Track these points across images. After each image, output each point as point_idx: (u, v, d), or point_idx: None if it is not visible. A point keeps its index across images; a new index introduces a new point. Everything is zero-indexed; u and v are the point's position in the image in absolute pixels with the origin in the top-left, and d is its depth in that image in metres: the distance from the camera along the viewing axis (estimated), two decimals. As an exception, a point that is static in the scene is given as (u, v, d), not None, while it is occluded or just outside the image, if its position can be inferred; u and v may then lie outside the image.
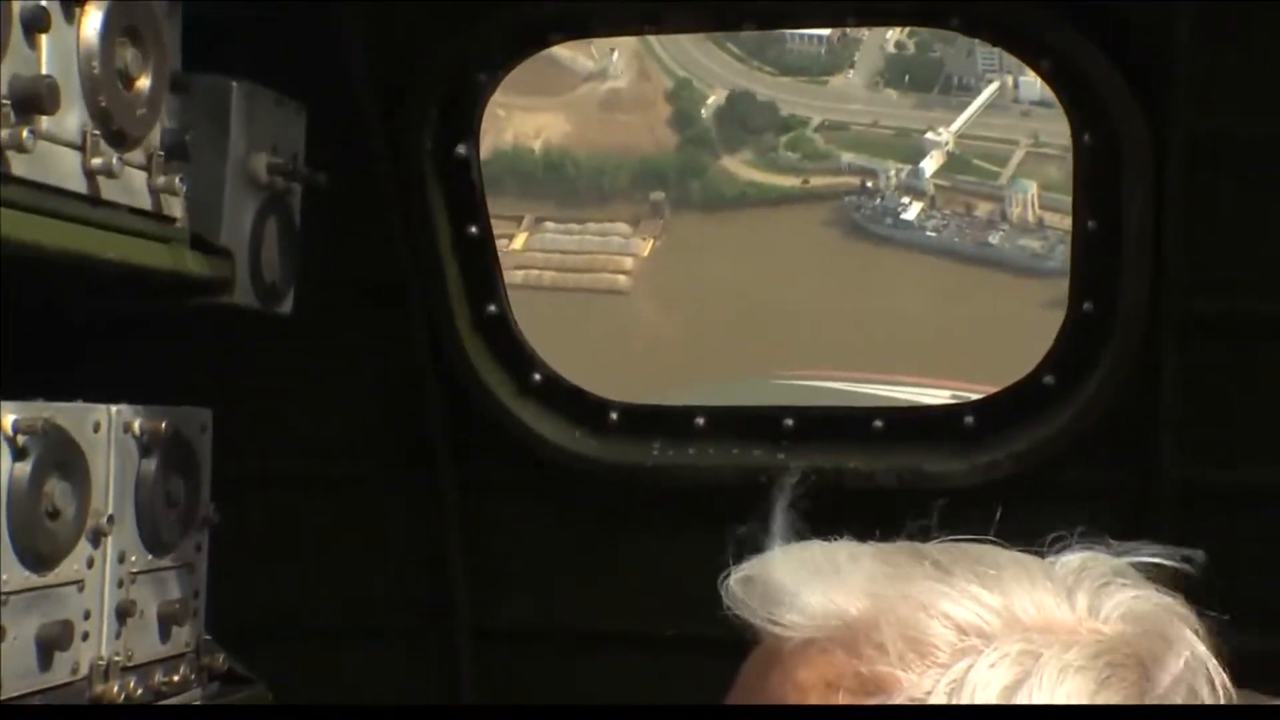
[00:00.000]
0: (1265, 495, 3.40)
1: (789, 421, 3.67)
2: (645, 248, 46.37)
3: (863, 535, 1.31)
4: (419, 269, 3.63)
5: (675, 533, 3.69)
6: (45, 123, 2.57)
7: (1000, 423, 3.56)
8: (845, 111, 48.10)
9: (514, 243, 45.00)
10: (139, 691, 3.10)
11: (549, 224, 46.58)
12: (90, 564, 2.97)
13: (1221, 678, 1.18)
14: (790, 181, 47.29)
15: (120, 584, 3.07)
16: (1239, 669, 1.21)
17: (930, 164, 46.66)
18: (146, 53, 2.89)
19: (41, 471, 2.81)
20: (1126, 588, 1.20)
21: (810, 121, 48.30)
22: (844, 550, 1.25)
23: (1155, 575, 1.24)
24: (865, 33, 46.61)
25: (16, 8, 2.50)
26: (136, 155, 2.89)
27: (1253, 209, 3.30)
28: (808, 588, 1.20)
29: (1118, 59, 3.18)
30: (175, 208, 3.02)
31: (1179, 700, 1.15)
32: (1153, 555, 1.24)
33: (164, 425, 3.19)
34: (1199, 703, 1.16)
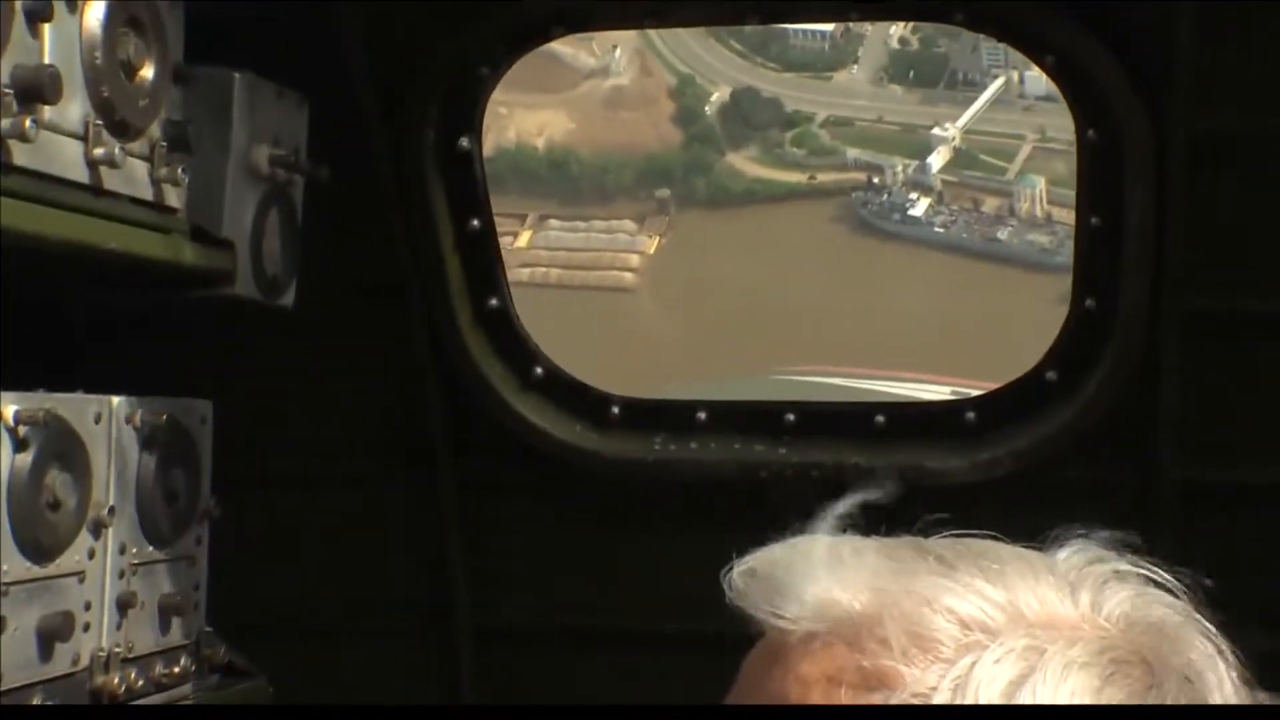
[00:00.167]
0: (1266, 493, 3.40)
1: (790, 417, 3.66)
2: (651, 245, 46.35)
3: (863, 531, 1.30)
4: (420, 263, 3.62)
5: (676, 527, 3.69)
6: (48, 112, 2.57)
7: (1001, 419, 3.56)
8: (850, 107, 48.05)
9: (518, 241, 44.99)
10: (139, 683, 3.10)
11: (553, 222, 46.57)
12: (91, 555, 2.97)
13: (1227, 674, 1.18)
14: (796, 177, 47.24)
15: (121, 575, 3.07)
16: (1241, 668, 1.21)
17: (937, 159, 46.62)
18: (149, 43, 2.89)
19: (42, 462, 2.81)
20: (1130, 584, 1.20)
21: (815, 117, 48.26)
22: (848, 544, 1.24)
23: (1159, 571, 1.23)
24: (868, 28, 46.55)
25: (19, -3, 2.50)
26: (138, 146, 2.88)
27: (1255, 207, 3.30)
28: (811, 582, 1.20)
29: (1121, 56, 3.18)
30: (177, 199, 3.02)
31: (1184, 698, 1.15)
32: (1155, 554, 1.24)
33: (165, 417, 3.19)
34: (1203, 700, 1.16)
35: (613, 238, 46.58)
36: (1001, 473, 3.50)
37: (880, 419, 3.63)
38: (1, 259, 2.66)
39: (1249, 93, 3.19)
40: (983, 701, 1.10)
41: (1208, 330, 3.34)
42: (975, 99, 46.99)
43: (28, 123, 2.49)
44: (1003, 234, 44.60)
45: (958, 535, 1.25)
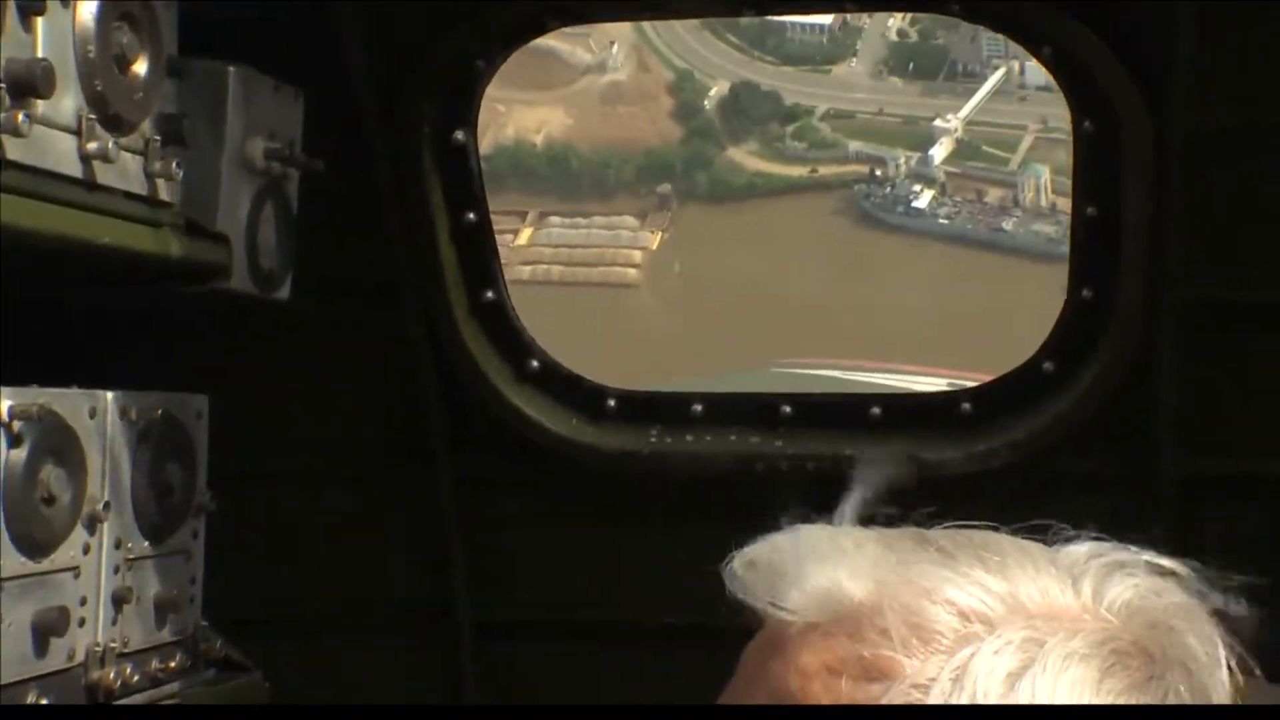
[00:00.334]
0: (1263, 485, 3.40)
1: (786, 408, 3.66)
2: (654, 240, 46.32)
3: (863, 522, 1.30)
4: (416, 256, 3.62)
5: (673, 520, 3.69)
6: (41, 106, 2.56)
7: (998, 410, 3.56)
8: (850, 100, 48.05)
9: (519, 238, 44.96)
10: (135, 678, 3.09)
11: (554, 219, 46.53)
12: (86, 550, 2.97)
13: (1227, 665, 1.18)
14: (798, 171, 47.25)
15: (116, 570, 3.06)
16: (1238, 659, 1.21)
17: (939, 151, 46.63)
18: (143, 37, 2.88)
19: (37, 458, 2.80)
20: (1130, 576, 1.20)
21: (815, 110, 48.25)
22: (848, 535, 1.24)
23: (1158, 563, 1.23)
24: (866, 21, 46.55)
25: (11, -9, 2.49)
26: (132, 140, 2.87)
27: (1252, 199, 3.30)
28: (811, 572, 1.19)
29: (1118, 48, 3.17)
30: (171, 193, 3.01)
31: (1184, 689, 1.15)
32: (1151, 545, 1.24)
33: (160, 412, 3.18)
34: (1204, 691, 1.16)
35: (614, 234, 46.55)
36: (997, 464, 3.50)
37: (876, 410, 3.63)
38: (-5, 254, 2.65)
39: (1246, 86, 3.18)
40: (982, 692, 1.10)
41: (1204, 322, 3.34)
42: (975, 90, 46.98)
43: (20, 117, 2.48)
44: (1008, 224, 44.60)
45: (958, 526, 1.25)
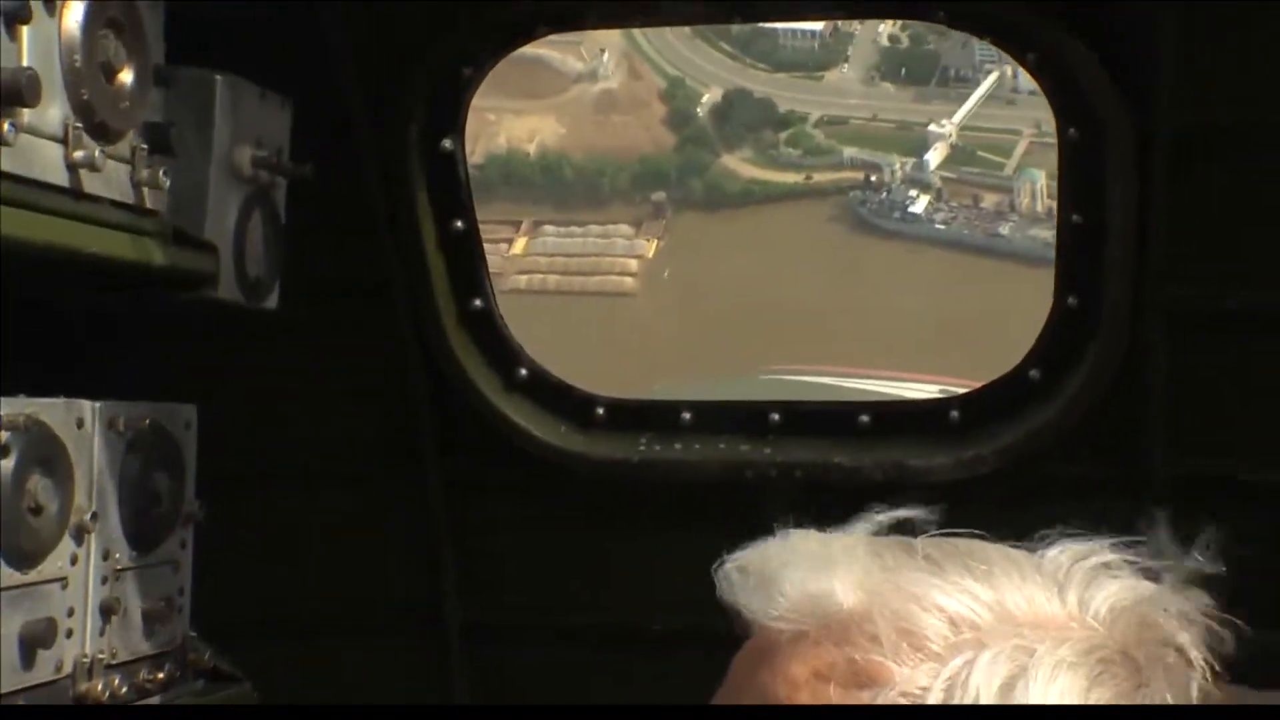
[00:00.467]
0: (1252, 490, 3.41)
1: (775, 416, 3.67)
2: (650, 248, 46.31)
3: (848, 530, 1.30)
4: (404, 263, 3.62)
5: (662, 527, 3.69)
6: (27, 115, 2.56)
7: (986, 417, 3.57)
8: (843, 106, 48.12)
9: (514, 247, 44.92)
10: (123, 689, 3.08)
11: (548, 227, 46.49)
12: (74, 561, 2.96)
13: (1213, 669, 1.18)
14: (793, 178, 47.28)
15: (104, 581, 3.06)
16: (1227, 665, 1.21)
17: (934, 156, 46.70)
18: (129, 45, 2.87)
19: (24, 468, 2.80)
20: (1116, 582, 1.20)
21: (809, 117, 48.31)
22: (837, 543, 1.25)
23: (1145, 568, 1.23)
24: (857, 27, 46.63)
25: (-3, 0, 2.49)
26: (119, 148, 2.87)
27: (1237, 202, 3.30)
28: (800, 580, 1.20)
29: (1101, 52, 3.18)
30: (158, 201, 3.01)
31: (1169, 697, 1.15)
32: (1140, 550, 1.24)
33: (148, 421, 3.18)
34: (1189, 697, 1.16)
35: (610, 242, 46.53)
36: (986, 470, 3.50)
37: (865, 418, 3.64)
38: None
39: (1230, 89, 3.19)
40: (974, 702, 1.10)
41: (1191, 326, 3.35)
42: (968, 95, 47.06)
43: (6, 126, 2.48)
44: (1004, 229, 44.66)
45: (946, 535, 1.25)
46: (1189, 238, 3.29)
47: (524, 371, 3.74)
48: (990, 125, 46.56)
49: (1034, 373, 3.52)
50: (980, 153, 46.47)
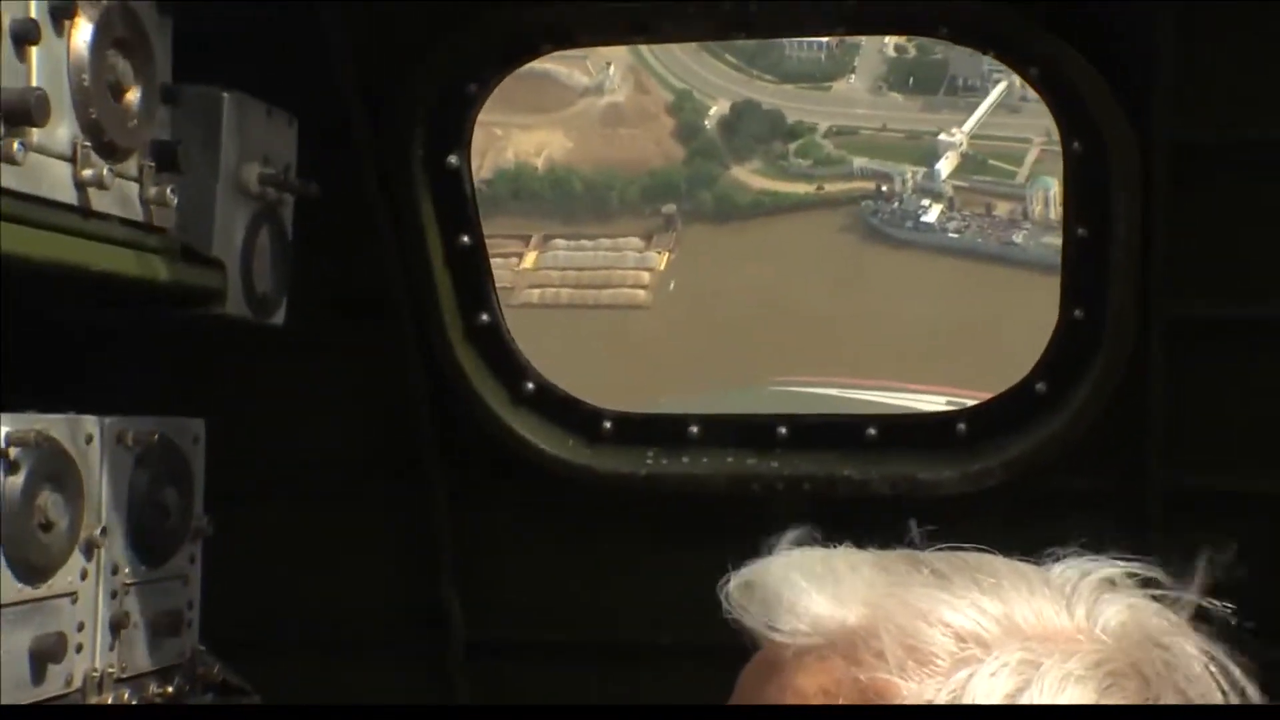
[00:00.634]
0: (1256, 502, 3.41)
1: (782, 430, 3.67)
2: (661, 261, 46.25)
3: (856, 543, 1.31)
4: (411, 279, 3.63)
5: (668, 541, 3.69)
6: (36, 135, 2.58)
7: (993, 430, 3.57)
8: (852, 116, 48.09)
9: (524, 262, 44.88)
10: (133, 703, 3.09)
11: (559, 241, 46.46)
12: (84, 576, 2.97)
13: (1222, 684, 1.18)
14: (803, 188, 47.23)
15: (114, 595, 3.06)
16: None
17: (945, 165, 46.63)
18: (137, 64, 2.89)
19: (34, 484, 2.81)
20: (1125, 595, 1.20)
21: (818, 128, 48.28)
22: (843, 557, 1.25)
23: (1151, 582, 1.24)
24: (863, 37, 46.65)
25: (6, 19, 2.51)
26: (127, 166, 2.89)
27: (1240, 214, 3.31)
28: (807, 595, 1.20)
29: (1102, 66, 3.19)
30: (166, 219, 3.02)
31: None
32: (1145, 563, 1.24)
33: (156, 436, 3.19)
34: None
35: (620, 255, 46.47)
36: (993, 483, 3.50)
37: (872, 431, 3.64)
38: (-8, 280, 2.66)
39: (1233, 100, 3.20)
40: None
41: (1195, 337, 3.35)
42: (977, 104, 47.00)
43: (15, 145, 2.49)
44: (1018, 237, 44.57)
45: (952, 549, 1.25)
46: (1192, 250, 3.29)
47: (531, 385, 3.75)
48: (1001, 134, 46.49)
49: (1040, 385, 3.52)
50: (992, 161, 46.40)
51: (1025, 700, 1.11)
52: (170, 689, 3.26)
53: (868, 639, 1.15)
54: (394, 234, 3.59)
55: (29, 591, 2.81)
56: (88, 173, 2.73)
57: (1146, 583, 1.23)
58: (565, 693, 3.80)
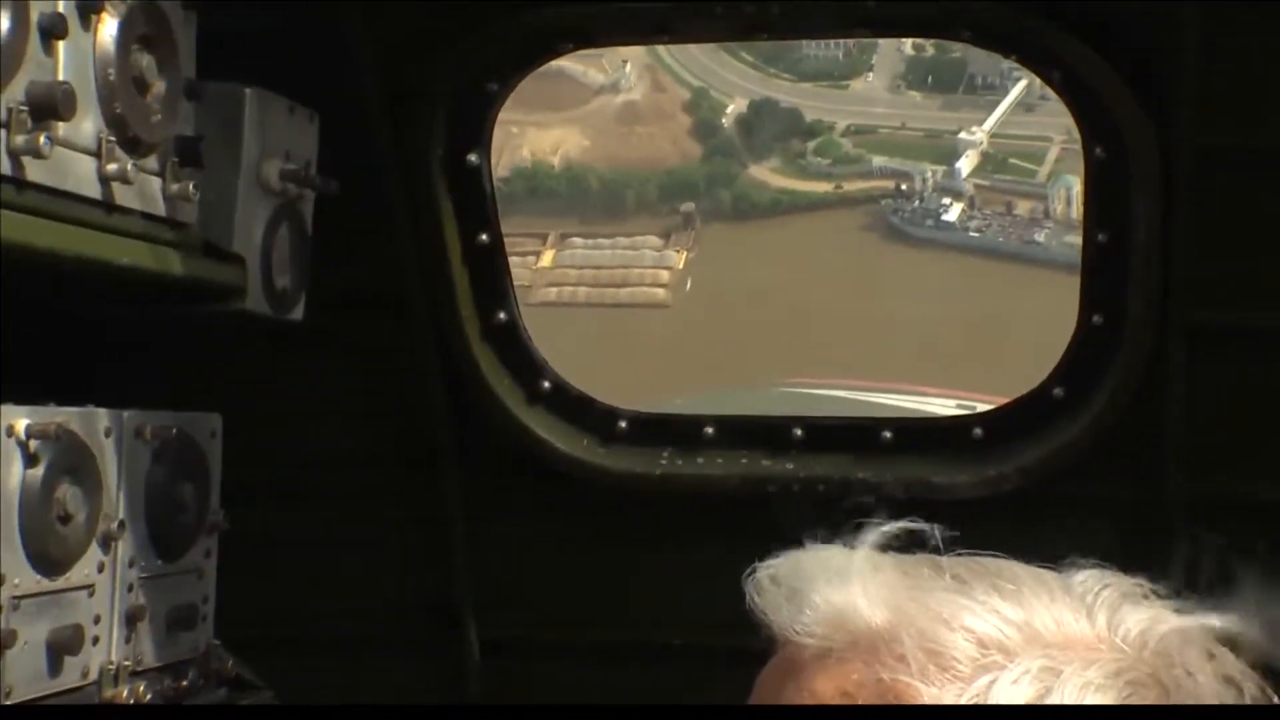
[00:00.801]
0: (1275, 510, 3.40)
1: (798, 431, 3.67)
2: (680, 259, 46.15)
3: (875, 548, 1.31)
4: (429, 277, 3.64)
5: (683, 542, 3.70)
6: (61, 129, 2.59)
7: (1009, 435, 3.56)
8: (870, 115, 47.95)
9: (542, 260, 44.84)
10: (147, 696, 3.11)
11: (576, 240, 46.40)
12: (101, 569, 2.98)
13: (1242, 694, 1.18)
14: (823, 187, 47.09)
15: (130, 589, 3.08)
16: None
17: (966, 164, 46.46)
18: (161, 60, 2.90)
19: (53, 476, 2.82)
20: (1145, 604, 1.21)
21: (836, 126, 48.15)
22: (864, 559, 1.25)
23: (1171, 590, 1.24)
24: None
25: (34, 14, 2.52)
26: (151, 161, 2.90)
27: (1261, 221, 3.30)
28: (828, 596, 1.20)
29: (1125, 71, 3.19)
30: (188, 214, 3.03)
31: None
32: (1162, 570, 1.24)
33: (175, 431, 3.20)
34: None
35: (639, 254, 46.39)
36: (1008, 489, 3.49)
37: (887, 434, 3.64)
38: (14, 273, 2.67)
39: (1255, 106, 3.20)
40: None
41: (1214, 345, 3.34)
42: (996, 103, 46.82)
43: (42, 139, 2.50)
44: (1040, 236, 44.38)
45: (972, 554, 1.26)
46: (1212, 256, 3.29)
47: (547, 384, 3.76)
48: (1022, 132, 46.31)
49: (1058, 391, 3.52)
50: (1012, 160, 46.24)
51: None
52: (184, 683, 3.27)
53: (889, 642, 1.16)
54: (413, 231, 3.60)
55: (47, 583, 2.82)
56: (112, 167, 2.74)
57: (1166, 591, 1.23)
58: (578, 692, 3.80)
